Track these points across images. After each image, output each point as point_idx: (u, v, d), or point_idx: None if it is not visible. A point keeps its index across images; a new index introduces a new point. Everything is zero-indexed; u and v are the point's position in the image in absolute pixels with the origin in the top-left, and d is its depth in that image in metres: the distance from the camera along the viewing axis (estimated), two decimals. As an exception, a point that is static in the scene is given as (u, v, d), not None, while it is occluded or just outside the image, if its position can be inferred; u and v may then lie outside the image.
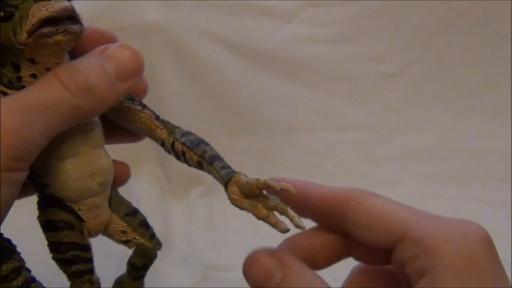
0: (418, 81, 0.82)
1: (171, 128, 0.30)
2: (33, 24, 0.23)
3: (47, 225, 0.30)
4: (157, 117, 0.30)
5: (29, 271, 0.29)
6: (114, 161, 0.32)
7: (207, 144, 0.29)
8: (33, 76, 0.26)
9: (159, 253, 0.34)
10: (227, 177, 0.27)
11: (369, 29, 0.80)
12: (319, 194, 0.31)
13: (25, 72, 0.26)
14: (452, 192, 0.72)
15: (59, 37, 0.24)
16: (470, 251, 0.25)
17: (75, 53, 0.28)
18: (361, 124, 0.79)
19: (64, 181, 0.28)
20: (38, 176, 0.29)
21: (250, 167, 0.79)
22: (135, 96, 0.30)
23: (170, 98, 0.71)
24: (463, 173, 0.75)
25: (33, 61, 0.26)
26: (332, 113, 0.79)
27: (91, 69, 0.26)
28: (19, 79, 0.26)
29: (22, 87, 0.26)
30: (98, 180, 0.29)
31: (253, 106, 0.75)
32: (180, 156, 0.29)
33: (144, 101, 0.31)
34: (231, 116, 0.74)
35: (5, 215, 0.25)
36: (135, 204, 0.34)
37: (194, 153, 0.29)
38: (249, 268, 0.28)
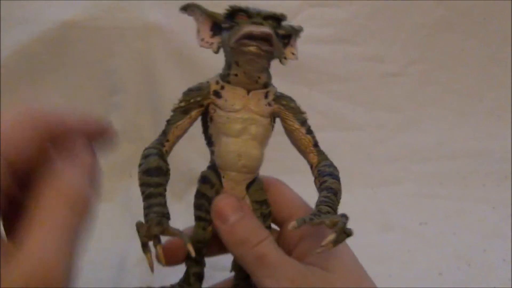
0: (418, 81, 0.82)
1: (321, 157, 0.37)
2: (240, 35, 0.32)
3: (202, 178, 0.38)
4: (315, 144, 0.37)
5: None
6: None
7: (334, 178, 0.35)
8: (236, 75, 0.35)
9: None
10: (317, 205, 0.34)
11: (369, 29, 0.80)
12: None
13: (232, 71, 0.36)
14: (452, 192, 0.72)
15: (252, 49, 0.32)
16: None
17: (58, 142, 0.27)
18: (361, 124, 0.79)
19: (219, 150, 0.36)
20: (210, 144, 0.38)
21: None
22: (307, 120, 0.38)
23: (170, 98, 0.70)
24: (463, 173, 0.75)
25: (237, 64, 0.35)
26: (332, 113, 0.79)
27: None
28: (228, 75, 0.36)
29: (228, 81, 0.36)
30: (243, 162, 0.36)
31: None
32: (314, 180, 0.37)
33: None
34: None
35: None
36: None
37: (319, 181, 0.35)
38: (220, 199, 0.36)
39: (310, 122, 0.38)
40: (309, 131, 0.37)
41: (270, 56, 0.34)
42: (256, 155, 0.37)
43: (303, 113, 0.38)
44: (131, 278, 0.46)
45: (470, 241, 0.61)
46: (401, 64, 0.82)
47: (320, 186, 0.35)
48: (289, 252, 0.36)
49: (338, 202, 0.35)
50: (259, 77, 0.36)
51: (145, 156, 0.35)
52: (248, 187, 0.38)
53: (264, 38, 0.32)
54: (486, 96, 0.82)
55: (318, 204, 0.33)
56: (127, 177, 0.66)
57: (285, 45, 0.38)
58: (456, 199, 0.70)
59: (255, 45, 0.32)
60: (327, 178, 0.35)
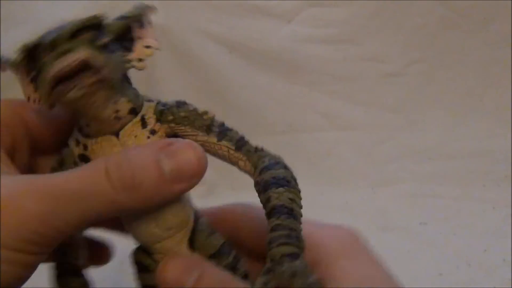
0: (418, 81, 0.82)
1: (254, 159, 0.27)
2: (48, 85, 0.23)
3: (136, 266, 0.30)
4: (239, 148, 0.27)
5: None
6: (95, 241, 0.32)
7: (278, 185, 0.25)
8: (87, 125, 0.26)
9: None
10: (267, 247, 0.24)
11: (369, 29, 0.80)
12: (211, 212, 0.32)
13: (82, 122, 0.26)
14: (452, 192, 0.72)
15: (72, 94, 0.23)
16: (350, 241, 0.29)
17: None
18: (361, 124, 0.79)
19: (130, 227, 0.28)
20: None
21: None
22: (213, 122, 0.27)
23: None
24: (463, 173, 0.75)
25: (78, 113, 0.26)
26: (332, 113, 0.79)
27: (145, 164, 0.24)
28: (81, 128, 0.27)
29: (87, 135, 0.27)
30: (164, 225, 0.27)
31: (253, 106, 0.75)
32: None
33: None
34: (231, 116, 0.74)
35: None
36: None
37: (262, 200, 0.26)
38: (165, 267, 0.27)
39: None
40: (222, 135, 0.27)
41: (105, 84, 0.24)
42: (175, 207, 0.27)
43: (203, 115, 0.27)
44: (131, 278, 0.46)
45: (470, 241, 0.61)
46: (401, 64, 0.82)
47: (265, 207, 0.25)
48: None
49: (298, 222, 0.25)
50: (116, 111, 0.26)
51: None
52: (192, 241, 0.28)
53: (80, 69, 0.23)
54: (486, 96, 0.82)
55: (269, 243, 0.24)
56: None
57: (130, 44, 0.27)
58: (456, 199, 0.70)
59: (73, 86, 0.23)
60: (269, 192, 0.25)
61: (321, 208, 0.56)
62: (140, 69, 0.26)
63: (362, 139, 0.78)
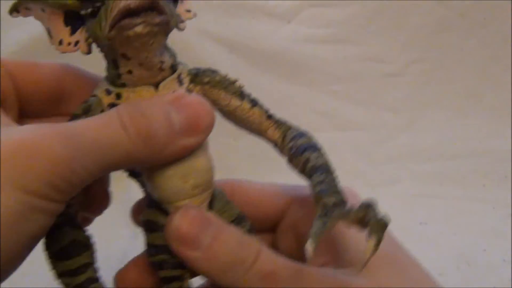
0: (418, 81, 0.82)
1: (284, 128, 0.28)
2: (114, 17, 0.23)
3: (146, 224, 0.29)
4: (269, 116, 0.29)
5: (96, 270, 0.29)
6: (95, 187, 0.31)
7: (314, 150, 0.27)
8: (129, 72, 0.26)
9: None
10: (317, 198, 0.25)
11: (369, 29, 0.80)
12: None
13: (122, 69, 0.26)
14: (452, 192, 0.72)
15: (139, 29, 0.23)
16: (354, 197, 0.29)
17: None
18: (361, 124, 0.79)
19: (155, 181, 0.27)
20: (139, 175, 0.29)
21: (250, 168, 0.80)
22: (242, 87, 0.28)
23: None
24: (463, 173, 0.75)
25: (126, 57, 0.25)
26: (332, 113, 0.79)
27: (156, 115, 0.24)
28: (119, 76, 0.26)
29: (123, 84, 0.26)
30: (192, 182, 0.27)
31: (253, 106, 0.75)
32: (289, 162, 0.28)
33: None
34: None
35: (32, 247, 0.23)
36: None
37: (298, 161, 0.27)
38: (180, 219, 0.26)
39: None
40: (253, 102, 0.28)
41: (166, 28, 0.25)
42: (204, 165, 0.27)
43: (234, 82, 0.28)
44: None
45: (470, 241, 0.61)
46: (401, 64, 0.82)
47: (304, 168, 0.26)
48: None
49: (337, 180, 0.26)
50: (162, 62, 0.26)
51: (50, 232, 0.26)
52: (211, 208, 0.28)
53: (148, 7, 0.23)
54: (486, 96, 0.82)
55: (318, 194, 0.25)
56: (127, 177, 0.66)
57: (175, 2, 0.27)
58: (456, 199, 0.70)
59: (141, 21, 0.23)
60: (307, 154, 0.27)
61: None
62: (181, 30, 0.27)
63: (362, 139, 0.78)
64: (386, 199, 0.71)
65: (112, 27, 0.23)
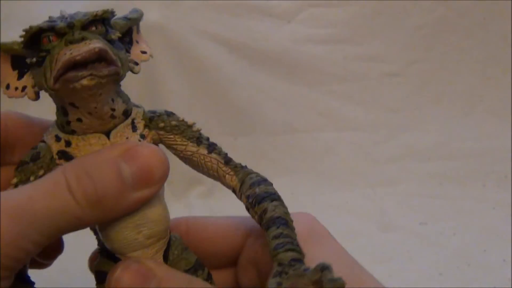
0: (418, 81, 0.82)
1: (242, 175, 0.27)
2: (58, 69, 0.22)
3: (97, 275, 0.28)
4: (227, 162, 0.27)
5: None
6: None
7: (272, 199, 0.26)
8: (79, 120, 0.25)
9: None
10: (273, 253, 0.24)
11: (369, 29, 0.80)
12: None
13: (71, 117, 0.25)
14: (452, 192, 0.72)
15: (85, 82, 0.22)
16: (310, 226, 0.28)
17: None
18: (361, 124, 0.79)
19: (106, 232, 0.26)
20: (92, 228, 0.28)
21: (250, 167, 0.79)
22: (201, 134, 0.28)
23: (170, 98, 0.71)
24: (463, 173, 0.75)
25: (74, 106, 0.24)
26: (332, 113, 0.79)
27: (105, 173, 0.23)
28: (68, 123, 0.25)
29: (73, 131, 0.25)
30: (146, 233, 0.26)
31: (253, 106, 0.75)
32: (247, 210, 0.27)
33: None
34: (231, 116, 0.74)
35: None
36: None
37: (255, 212, 0.26)
38: (121, 273, 0.25)
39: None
40: (211, 147, 0.28)
41: (116, 78, 0.24)
42: (158, 215, 0.26)
43: (191, 126, 0.28)
44: None
45: (470, 241, 0.61)
46: (401, 64, 0.82)
47: (261, 219, 0.25)
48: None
49: (294, 233, 0.25)
50: (113, 109, 0.25)
51: None
52: (166, 256, 0.27)
53: (96, 58, 0.22)
54: (486, 96, 0.82)
55: (274, 250, 0.24)
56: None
57: (128, 45, 0.27)
58: (456, 199, 0.70)
59: (88, 74, 0.22)
60: (265, 204, 0.25)
61: (321, 208, 0.56)
62: (135, 73, 0.26)
63: (362, 139, 0.78)
64: (386, 199, 0.71)
65: (56, 79, 0.23)
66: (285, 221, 0.25)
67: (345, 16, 0.79)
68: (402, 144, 0.78)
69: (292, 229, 0.25)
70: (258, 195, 0.26)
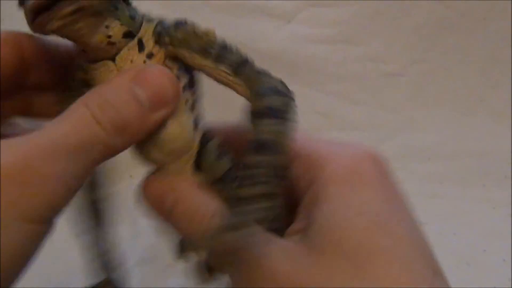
0: (418, 81, 0.82)
1: (252, 85, 0.25)
2: (28, 18, 0.22)
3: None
4: (235, 71, 0.25)
5: None
6: None
7: (274, 116, 0.24)
8: (84, 51, 0.25)
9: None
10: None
11: (369, 29, 0.80)
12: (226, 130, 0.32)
13: (77, 48, 0.25)
14: (452, 192, 0.72)
15: (50, 26, 0.21)
16: (355, 165, 0.26)
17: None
18: (361, 124, 0.79)
19: (136, 153, 0.28)
20: None
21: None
22: (211, 44, 0.25)
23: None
24: (463, 173, 0.75)
25: (70, 40, 0.24)
26: (332, 113, 0.79)
27: (123, 98, 0.23)
28: (80, 53, 0.26)
29: (87, 60, 0.25)
30: (167, 150, 0.27)
31: (253, 106, 0.75)
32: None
33: None
34: (231, 115, 0.74)
35: (21, 272, 0.22)
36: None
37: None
38: (143, 193, 0.28)
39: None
40: (220, 58, 0.25)
41: (88, 11, 0.22)
42: (176, 132, 0.26)
43: (199, 37, 0.25)
44: (131, 278, 0.46)
45: (470, 241, 0.61)
46: (401, 64, 0.81)
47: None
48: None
49: (277, 155, 0.23)
50: (108, 36, 0.24)
51: None
52: (198, 164, 0.27)
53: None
54: (486, 96, 0.82)
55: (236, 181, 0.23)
56: (127, 178, 0.66)
57: None
58: (456, 199, 0.70)
59: (51, 17, 0.21)
60: (257, 121, 0.24)
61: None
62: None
63: (362, 139, 0.78)
64: (386, 199, 0.71)
65: (30, 26, 0.22)
66: (267, 144, 0.23)
67: (345, 16, 0.79)
68: (402, 144, 0.78)
69: (276, 149, 0.23)
70: (258, 110, 0.24)
